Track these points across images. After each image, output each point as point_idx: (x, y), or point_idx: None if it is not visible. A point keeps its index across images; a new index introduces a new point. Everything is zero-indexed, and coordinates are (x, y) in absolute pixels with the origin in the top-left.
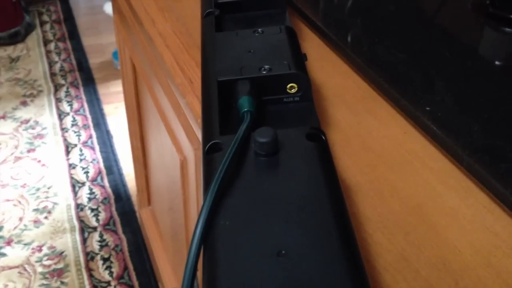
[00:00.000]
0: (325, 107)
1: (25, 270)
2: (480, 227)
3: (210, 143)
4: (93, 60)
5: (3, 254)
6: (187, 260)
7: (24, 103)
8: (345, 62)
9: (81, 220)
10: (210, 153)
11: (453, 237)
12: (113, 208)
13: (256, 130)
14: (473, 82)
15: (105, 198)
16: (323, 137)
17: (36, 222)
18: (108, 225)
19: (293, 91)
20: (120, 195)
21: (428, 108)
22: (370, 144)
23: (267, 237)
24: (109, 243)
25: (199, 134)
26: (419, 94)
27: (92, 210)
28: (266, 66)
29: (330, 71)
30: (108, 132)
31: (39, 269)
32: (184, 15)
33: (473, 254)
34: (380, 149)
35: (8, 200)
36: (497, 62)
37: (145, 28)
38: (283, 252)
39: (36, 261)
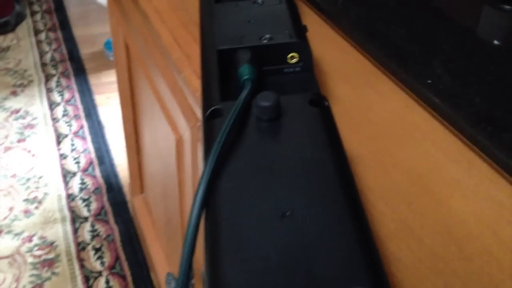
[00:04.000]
0: (325, 81)
1: (15, 260)
2: (483, 197)
3: (211, 108)
4: (85, 51)
5: None
6: (188, 223)
7: (14, 93)
8: (344, 38)
9: (72, 210)
10: (210, 119)
11: (457, 206)
12: (105, 198)
13: (258, 94)
14: (474, 56)
15: (96, 188)
16: (326, 103)
17: (27, 212)
18: (99, 215)
19: (294, 61)
20: (111, 185)
21: (429, 81)
22: (371, 117)
23: (270, 199)
24: (100, 233)
25: (196, 110)
26: (419, 67)
27: (84, 200)
28: (267, 35)
29: (330, 47)
30: (99, 122)
31: (30, 259)
32: None
33: (477, 223)
34: (381, 122)
35: None
36: (496, 38)
37: (141, 5)
38: (288, 213)
39: (27, 252)
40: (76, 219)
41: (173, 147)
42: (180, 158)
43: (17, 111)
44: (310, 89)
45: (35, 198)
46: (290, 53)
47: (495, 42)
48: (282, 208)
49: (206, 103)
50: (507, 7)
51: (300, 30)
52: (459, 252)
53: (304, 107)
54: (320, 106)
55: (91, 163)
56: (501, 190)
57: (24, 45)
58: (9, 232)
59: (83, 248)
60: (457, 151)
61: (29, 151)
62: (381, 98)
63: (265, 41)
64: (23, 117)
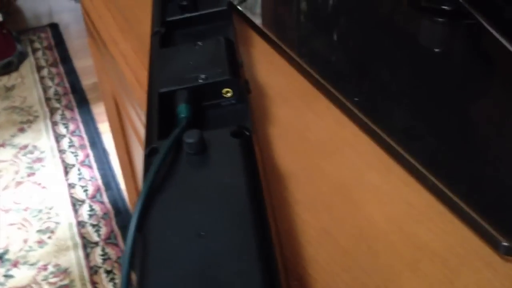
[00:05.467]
0: (268, 105)
1: None
2: (396, 199)
3: (149, 147)
4: (86, 82)
5: (11, 276)
6: (124, 250)
7: (21, 130)
8: (289, 63)
9: (83, 237)
10: (149, 157)
11: (371, 209)
12: (113, 222)
13: (185, 132)
14: (399, 72)
15: (105, 214)
16: (247, 133)
17: (40, 243)
18: (109, 239)
19: (229, 95)
20: (119, 209)
21: (356, 99)
22: (306, 135)
23: (190, 222)
24: (111, 256)
25: None
26: (349, 86)
27: (93, 226)
28: (203, 75)
29: (275, 73)
30: (104, 150)
31: (46, 287)
32: (143, 34)
33: (387, 223)
34: (315, 140)
35: (12, 224)
36: (424, 51)
37: (109, 49)
38: (202, 233)
39: (43, 280)
40: (87, 244)
41: None
42: None
43: (26, 146)
44: (242, 119)
45: (47, 228)
46: (224, 88)
47: (421, 57)
48: (198, 229)
49: (146, 142)
50: (440, 19)
51: (233, 67)
52: (368, 249)
53: (226, 139)
54: (242, 136)
55: (98, 190)
56: (412, 192)
57: (28, 82)
58: (25, 263)
59: (96, 272)
60: (378, 160)
61: (39, 184)
62: (317, 117)
63: (201, 81)
64: (31, 152)
